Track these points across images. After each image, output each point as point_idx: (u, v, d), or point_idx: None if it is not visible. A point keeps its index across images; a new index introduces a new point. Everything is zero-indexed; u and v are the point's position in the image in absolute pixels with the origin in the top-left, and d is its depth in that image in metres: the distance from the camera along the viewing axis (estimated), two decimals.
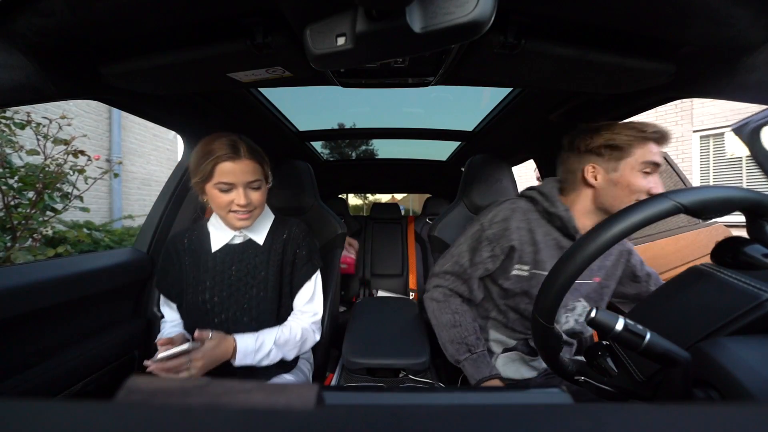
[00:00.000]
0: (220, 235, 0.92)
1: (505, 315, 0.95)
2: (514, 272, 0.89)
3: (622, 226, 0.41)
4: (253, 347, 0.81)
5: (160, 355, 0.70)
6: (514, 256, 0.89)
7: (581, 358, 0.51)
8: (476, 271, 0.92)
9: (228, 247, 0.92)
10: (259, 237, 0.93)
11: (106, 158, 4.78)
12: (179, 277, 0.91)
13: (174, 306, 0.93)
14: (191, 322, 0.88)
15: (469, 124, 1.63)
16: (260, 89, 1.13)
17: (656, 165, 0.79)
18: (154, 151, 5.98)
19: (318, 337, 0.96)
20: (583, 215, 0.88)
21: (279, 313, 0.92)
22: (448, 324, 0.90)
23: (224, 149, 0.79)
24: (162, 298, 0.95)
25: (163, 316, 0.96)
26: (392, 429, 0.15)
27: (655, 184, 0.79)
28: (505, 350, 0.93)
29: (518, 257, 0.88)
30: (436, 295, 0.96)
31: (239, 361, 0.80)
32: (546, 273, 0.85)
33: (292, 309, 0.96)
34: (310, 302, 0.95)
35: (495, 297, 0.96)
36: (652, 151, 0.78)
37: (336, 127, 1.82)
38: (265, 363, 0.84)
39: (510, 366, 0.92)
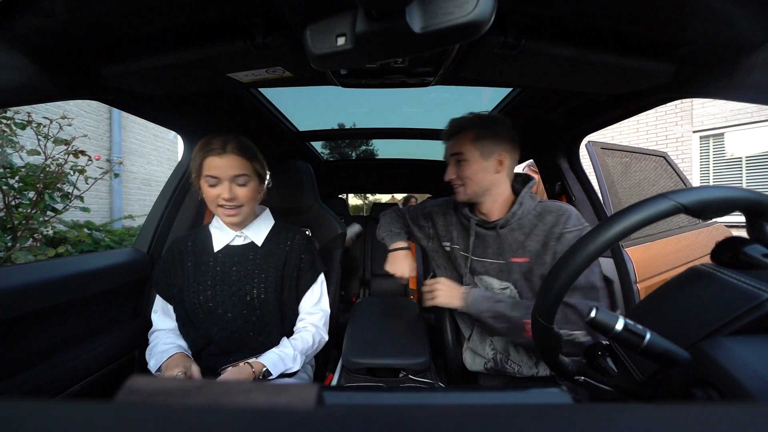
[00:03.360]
0: (221, 236, 0.95)
1: None
2: (445, 248, 1.08)
3: (621, 226, 0.41)
4: (278, 357, 0.84)
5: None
6: (441, 234, 1.10)
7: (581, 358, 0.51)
8: (414, 222, 1.17)
9: (229, 248, 0.94)
10: (258, 238, 0.96)
11: (107, 158, 4.78)
12: (180, 278, 0.92)
13: (170, 311, 0.94)
14: (196, 320, 0.89)
15: None
16: (260, 89, 1.13)
17: (446, 159, 1.03)
18: (154, 151, 5.98)
19: (326, 336, 0.99)
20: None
21: (282, 312, 0.94)
22: (385, 223, 1.19)
23: (212, 145, 0.83)
24: (157, 304, 0.95)
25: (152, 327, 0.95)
26: (392, 429, 0.15)
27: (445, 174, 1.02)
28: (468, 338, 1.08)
29: (444, 235, 1.09)
30: (385, 214, 1.23)
31: (275, 372, 0.83)
32: (457, 247, 1.01)
33: (296, 312, 0.98)
34: (317, 304, 0.99)
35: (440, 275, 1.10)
36: (445, 151, 1.04)
37: (336, 127, 1.83)
38: (296, 368, 0.87)
39: (473, 361, 1.03)
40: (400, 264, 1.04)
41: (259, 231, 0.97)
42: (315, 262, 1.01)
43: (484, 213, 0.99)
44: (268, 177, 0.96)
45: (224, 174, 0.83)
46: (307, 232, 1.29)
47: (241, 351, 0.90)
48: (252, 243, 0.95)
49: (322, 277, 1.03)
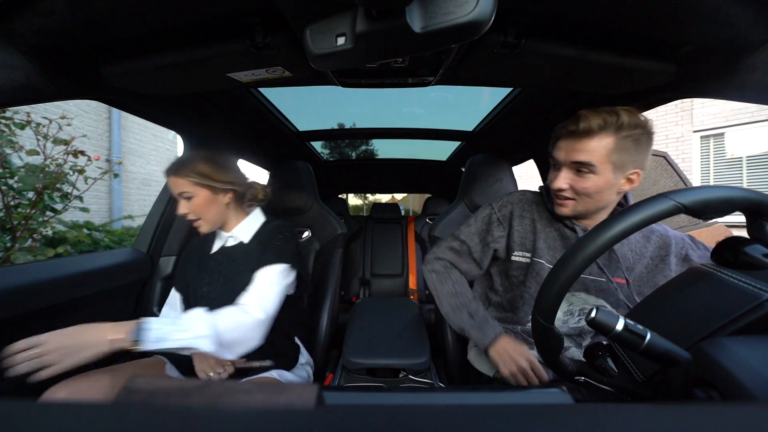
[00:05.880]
0: (218, 239, 1.01)
1: (498, 310, 0.96)
2: (515, 258, 0.90)
3: (622, 226, 0.41)
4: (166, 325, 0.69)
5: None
6: (515, 241, 0.90)
7: (581, 358, 0.51)
8: (487, 252, 0.93)
9: (225, 249, 0.98)
10: (246, 237, 0.99)
11: (106, 158, 4.78)
12: (189, 274, 0.98)
13: (177, 304, 0.98)
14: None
15: (469, 124, 1.63)
16: (260, 89, 1.13)
17: (556, 160, 0.80)
18: (154, 151, 5.98)
19: (258, 315, 0.81)
20: None
21: None
22: (449, 293, 0.91)
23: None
24: (170, 297, 1.00)
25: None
26: (392, 429, 0.15)
27: (552, 178, 0.81)
28: None
29: (519, 243, 0.90)
30: (436, 267, 0.96)
31: (152, 342, 0.67)
32: (543, 261, 0.86)
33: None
34: (252, 293, 0.84)
35: (496, 287, 0.97)
36: (558, 148, 0.80)
37: (336, 127, 1.82)
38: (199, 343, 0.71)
39: (480, 359, 0.93)
40: (516, 355, 0.77)
41: (245, 230, 0.99)
42: (282, 250, 0.91)
43: (587, 223, 0.85)
44: (230, 181, 0.91)
45: (175, 192, 0.91)
46: (307, 232, 1.27)
47: None
48: (241, 242, 0.98)
49: (279, 267, 0.88)
